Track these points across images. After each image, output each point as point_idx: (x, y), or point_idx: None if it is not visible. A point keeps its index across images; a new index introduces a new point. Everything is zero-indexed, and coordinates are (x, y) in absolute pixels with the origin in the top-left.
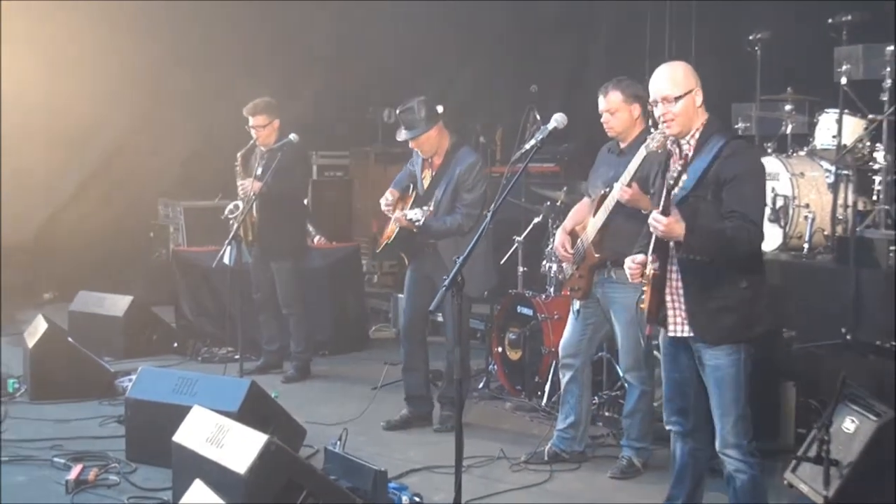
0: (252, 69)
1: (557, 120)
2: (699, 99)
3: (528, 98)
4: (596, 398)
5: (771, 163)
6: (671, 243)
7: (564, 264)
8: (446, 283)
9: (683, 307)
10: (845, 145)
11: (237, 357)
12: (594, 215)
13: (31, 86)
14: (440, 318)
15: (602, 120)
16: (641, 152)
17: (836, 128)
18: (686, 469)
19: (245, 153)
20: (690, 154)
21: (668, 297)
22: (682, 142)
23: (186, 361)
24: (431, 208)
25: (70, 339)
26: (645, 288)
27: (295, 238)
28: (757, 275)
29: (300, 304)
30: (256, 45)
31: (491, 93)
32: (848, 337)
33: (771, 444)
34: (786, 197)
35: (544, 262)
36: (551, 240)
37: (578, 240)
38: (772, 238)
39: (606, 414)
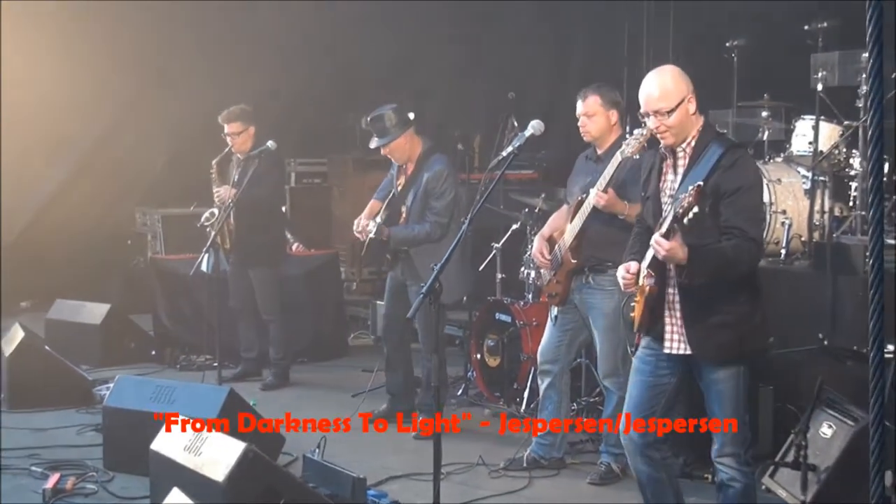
0: (228, 76)
1: (534, 127)
2: (693, 106)
3: (506, 105)
4: (574, 404)
5: None
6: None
7: (542, 270)
8: (423, 290)
9: (680, 324)
10: (822, 151)
11: (215, 365)
12: (571, 221)
13: (5, 94)
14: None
15: (579, 123)
16: (617, 158)
17: (812, 134)
18: (661, 485)
19: (221, 160)
20: (686, 162)
21: (665, 314)
22: (678, 150)
23: (164, 369)
24: (404, 214)
25: (47, 347)
26: (637, 298)
27: (273, 245)
28: (754, 289)
29: (279, 311)
30: (232, 52)
31: (468, 100)
32: (825, 342)
33: (749, 449)
34: (763, 203)
35: (522, 269)
36: (529, 246)
37: (556, 246)
38: None
39: (585, 420)
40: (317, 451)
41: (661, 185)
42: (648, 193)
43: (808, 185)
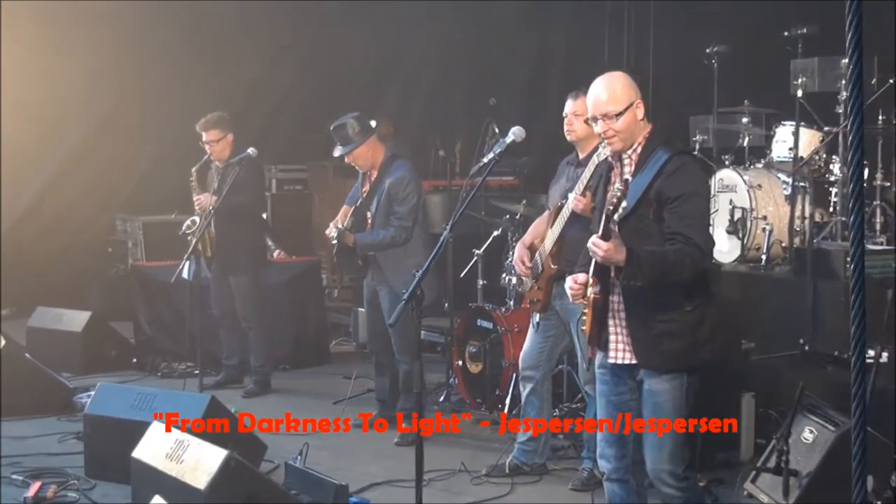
0: (207, 83)
1: (515, 133)
2: (640, 112)
3: (487, 111)
4: (556, 410)
5: (728, 175)
6: (612, 267)
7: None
8: (405, 296)
9: (626, 332)
10: (802, 157)
11: (196, 372)
12: (551, 227)
13: None
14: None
15: (566, 122)
16: (594, 161)
17: (792, 140)
18: None
19: (200, 168)
20: (632, 169)
21: (610, 322)
22: (624, 156)
23: (146, 377)
24: (370, 221)
25: (28, 355)
26: (586, 310)
27: (254, 252)
28: (703, 297)
29: (260, 318)
30: (212, 59)
31: (449, 106)
32: (806, 348)
33: (730, 454)
34: (743, 209)
35: (504, 276)
36: (511, 253)
37: (536, 252)
38: (730, 250)
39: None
40: (299, 458)
41: (607, 194)
42: (595, 203)
43: (788, 191)
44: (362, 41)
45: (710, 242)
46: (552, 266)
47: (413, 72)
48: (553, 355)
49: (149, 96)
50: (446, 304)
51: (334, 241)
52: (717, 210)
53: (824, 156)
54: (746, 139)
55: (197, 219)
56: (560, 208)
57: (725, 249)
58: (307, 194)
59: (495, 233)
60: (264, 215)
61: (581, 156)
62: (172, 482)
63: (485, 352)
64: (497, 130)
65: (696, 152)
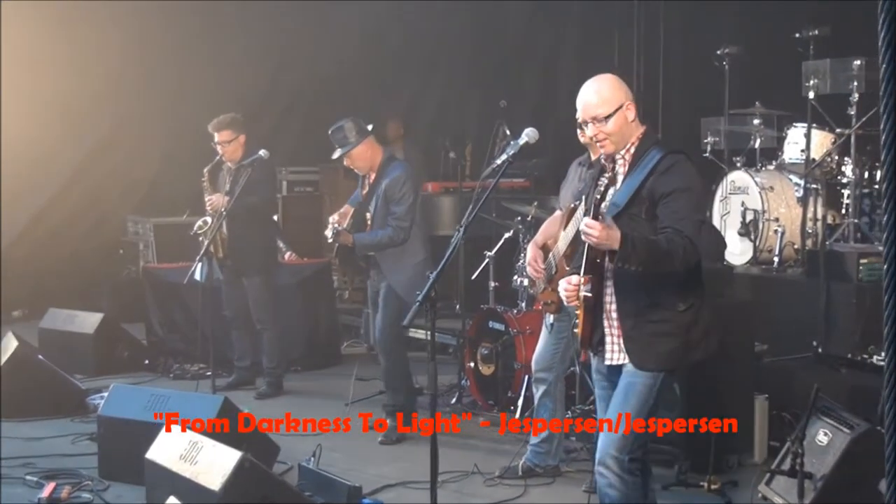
0: (218, 85)
1: (529, 135)
2: (631, 113)
3: (498, 113)
4: (569, 412)
5: (740, 177)
6: (606, 264)
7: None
8: (419, 297)
9: (618, 333)
10: (814, 159)
11: (209, 374)
12: (564, 228)
13: None
14: (413, 333)
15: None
16: None
17: (804, 142)
18: None
19: (212, 168)
20: (626, 169)
21: (604, 323)
22: (617, 157)
23: (158, 378)
24: (369, 221)
25: (41, 356)
26: (578, 312)
27: (266, 254)
28: (696, 298)
29: (273, 319)
30: (224, 60)
31: (460, 108)
32: (819, 350)
33: (744, 457)
34: (755, 211)
35: (516, 277)
36: (523, 255)
37: (550, 254)
38: (742, 252)
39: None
40: (312, 459)
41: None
42: (586, 206)
43: (800, 193)
44: (373, 43)
45: (718, 242)
46: (566, 268)
47: (423, 73)
48: (566, 357)
49: (160, 99)
50: (458, 306)
51: (330, 241)
52: (728, 212)
53: (836, 158)
54: (758, 141)
55: (209, 219)
56: (573, 210)
57: (737, 251)
58: (318, 196)
59: (507, 235)
60: (275, 217)
61: (593, 157)
62: (186, 483)
63: (497, 354)
64: (508, 132)
65: (707, 154)
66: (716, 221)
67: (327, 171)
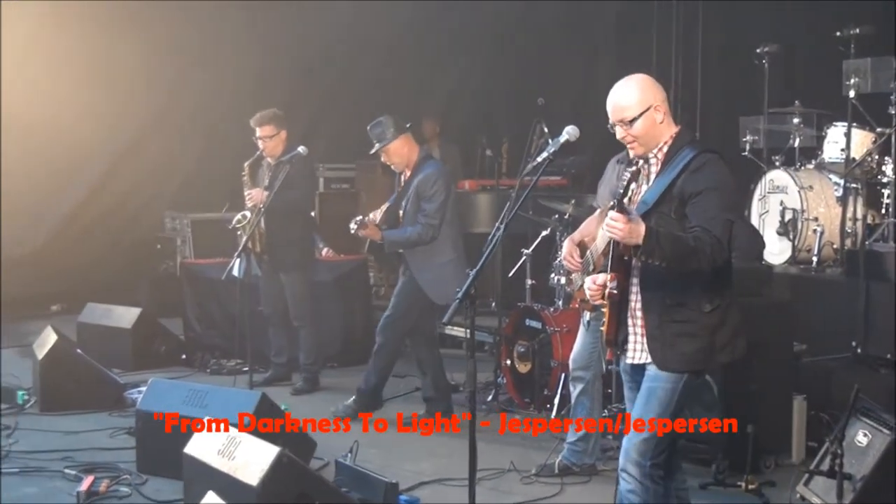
0: (256, 82)
1: (570, 132)
2: (660, 115)
3: (535, 110)
4: (606, 411)
5: (779, 176)
6: (633, 262)
7: (574, 275)
8: (459, 295)
9: (642, 332)
10: (854, 159)
11: (246, 369)
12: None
13: (33, 99)
14: (449, 331)
15: None
16: None
17: (844, 141)
18: None
19: (252, 163)
20: (658, 168)
21: (628, 322)
22: (650, 156)
23: (195, 373)
24: (401, 219)
25: (79, 350)
26: (604, 310)
27: (303, 250)
28: (724, 299)
29: (311, 316)
30: (260, 57)
31: (496, 106)
32: (858, 350)
33: (781, 457)
34: (794, 210)
35: (553, 275)
36: (559, 252)
37: (588, 251)
38: (781, 251)
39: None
40: (349, 455)
41: (617, 186)
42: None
43: (840, 193)
44: (410, 40)
45: (756, 241)
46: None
47: (460, 72)
48: (604, 355)
49: (197, 94)
50: (494, 304)
51: (353, 232)
52: (767, 211)
53: (877, 157)
54: (797, 140)
55: (248, 213)
56: (612, 208)
57: (776, 251)
58: (354, 193)
59: (544, 233)
60: (312, 213)
61: (632, 155)
62: (224, 478)
63: (533, 351)
64: (546, 130)
65: (746, 153)
66: (754, 220)
67: (364, 169)
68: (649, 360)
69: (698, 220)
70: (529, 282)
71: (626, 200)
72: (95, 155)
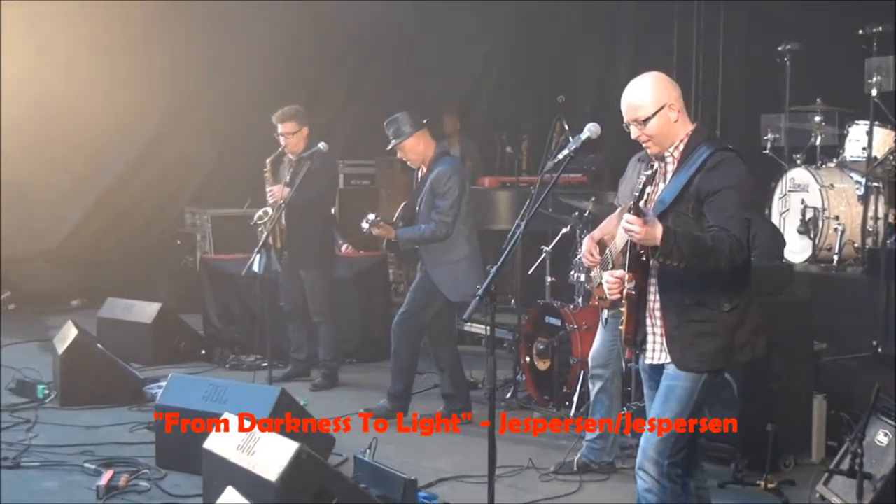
0: (277, 78)
1: (591, 130)
2: (675, 113)
3: (555, 108)
4: (625, 409)
5: (800, 174)
6: (651, 261)
7: (593, 273)
8: (479, 292)
9: (661, 332)
10: (876, 157)
11: (265, 365)
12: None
13: (54, 96)
14: (468, 328)
15: None
16: None
17: (866, 139)
18: None
19: (274, 160)
20: (675, 167)
21: (647, 322)
22: (666, 154)
23: (214, 369)
24: (417, 214)
25: (99, 345)
26: (622, 310)
27: (324, 246)
28: (743, 298)
29: (330, 312)
30: (281, 54)
31: (516, 102)
32: (879, 349)
33: (801, 456)
34: (815, 209)
35: (572, 273)
36: (579, 250)
37: (607, 249)
38: (801, 250)
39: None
40: (367, 452)
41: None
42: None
43: (861, 191)
44: (430, 38)
45: (777, 239)
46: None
47: (480, 69)
48: (623, 353)
49: (217, 91)
50: (514, 301)
51: (365, 229)
52: (788, 209)
53: None
54: (819, 138)
55: (269, 209)
56: (629, 210)
57: (797, 249)
58: (374, 189)
59: (564, 230)
60: (332, 210)
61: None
62: (243, 474)
63: (553, 349)
64: (567, 127)
65: (767, 151)
66: (775, 219)
67: (383, 165)
68: (668, 360)
69: (716, 219)
70: (549, 279)
71: (642, 202)
72: (117, 151)
